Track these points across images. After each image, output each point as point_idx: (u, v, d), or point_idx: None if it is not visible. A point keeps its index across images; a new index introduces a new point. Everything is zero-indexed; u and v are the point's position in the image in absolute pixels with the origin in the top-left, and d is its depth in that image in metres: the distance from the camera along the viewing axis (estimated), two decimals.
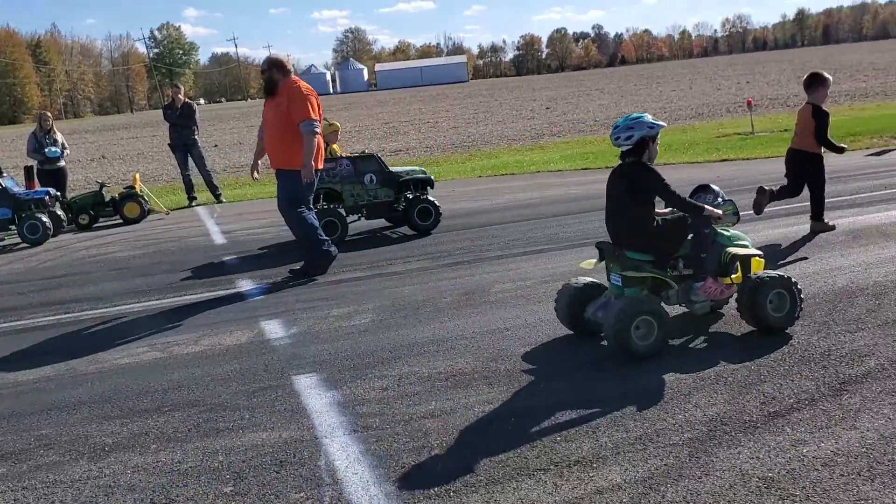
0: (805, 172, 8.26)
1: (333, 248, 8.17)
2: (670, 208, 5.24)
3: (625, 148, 5.11)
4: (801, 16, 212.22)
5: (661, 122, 5.14)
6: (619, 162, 5.23)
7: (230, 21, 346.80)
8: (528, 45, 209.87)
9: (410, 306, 6.62)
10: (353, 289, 7.44)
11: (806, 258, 7.29)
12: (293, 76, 8.03)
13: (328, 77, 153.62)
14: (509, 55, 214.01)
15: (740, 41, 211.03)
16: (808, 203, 8.37)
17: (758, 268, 5.28)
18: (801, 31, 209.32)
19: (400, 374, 4.94)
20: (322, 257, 8.03)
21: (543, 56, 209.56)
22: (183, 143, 14.58)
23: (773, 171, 11.17)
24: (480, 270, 7.77)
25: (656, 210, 5.21)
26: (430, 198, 10.13)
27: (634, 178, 5.07)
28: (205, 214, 13.49)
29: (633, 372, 4.68)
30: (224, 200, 15.05)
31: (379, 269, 8.19)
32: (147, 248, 10.62)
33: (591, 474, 3.50)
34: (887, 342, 4.89)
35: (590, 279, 5.47)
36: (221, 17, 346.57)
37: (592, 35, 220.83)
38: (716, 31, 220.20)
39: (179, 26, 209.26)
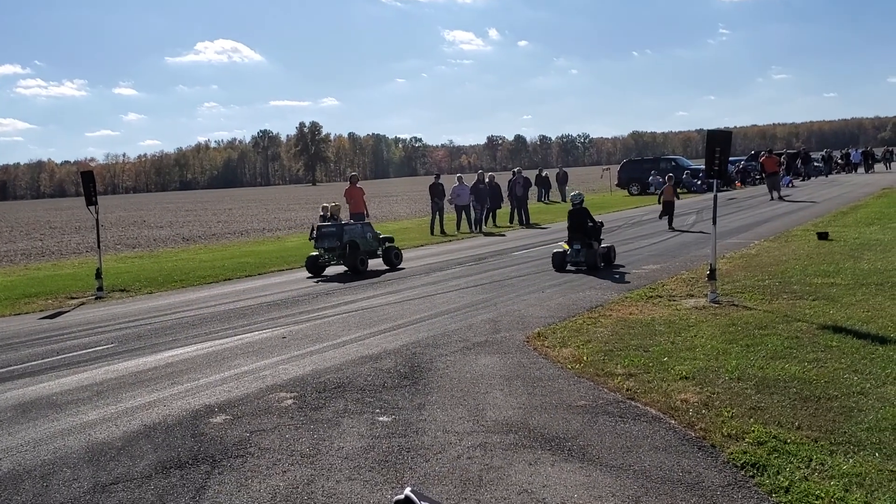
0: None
1: None
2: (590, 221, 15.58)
3: (578, 202, 15.82)
4: None
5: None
6: (573, 207, 15.86)
7: None
8: None
9: None
10: None
11: None
12: None
13: None
14: None
15: None
16: None
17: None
18: None
19: None
20: None
21: None
22: None
23: None
24: None
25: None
26: (398, 248, 18.38)
27: (586, 212, 15.63)
28: None
29: None
30: None
31: None
32: None
33: None
34: None
35: (559, 248, 15.56)
36: None
37: None
38: None
39: None
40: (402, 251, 18.67)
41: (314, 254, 17.52)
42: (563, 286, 13.30)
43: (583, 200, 15.95)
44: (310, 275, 17.21)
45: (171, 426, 6.88)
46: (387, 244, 18.15)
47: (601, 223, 15.90)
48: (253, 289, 15.75)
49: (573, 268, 15.25)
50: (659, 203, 23.70)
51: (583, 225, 15.42)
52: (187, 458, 6.08)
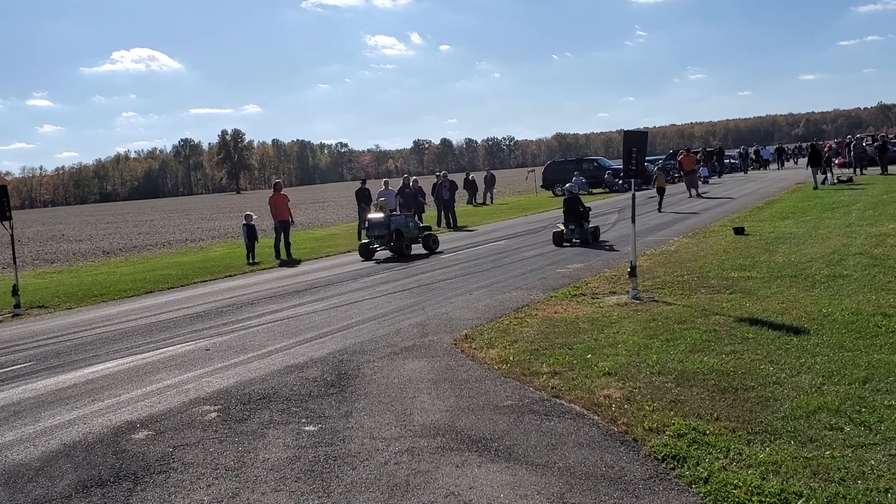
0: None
1: None
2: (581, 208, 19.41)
3: (570, 190, 20.50)
4: None
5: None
6: (569, 195, 19.72)
7: None
8: None
9: None
10: None
11: None
12: None
13: None
14: None
15: None
16: None
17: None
18: None
19: None
20: None
21: None
22: None
23: None
24: None
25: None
26: (435, 234, 21.61)
27: (578, 199, 19.47)
28: None
29: None
30: None
31: None
32: None
33: None
34: None
35: (558, 228, 19.50)
36: None
37: None
38: None
39: None
40: (327, 257, 19.14)
41: (365, 241, 20.65)
42: (491, 287, 13.40)
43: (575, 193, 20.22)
44: (362, 259, 19.98)
45: (92, 444, 6.70)
46: (425, 232, 21.02)
47: (589, 208, 19.65)
48: (176, 301, 15.43)
49: (567, 243, 18.90)
50: (652, 187, 30.05)
51: (575, 210, 19.13)
52: (109, 476, 5.92)
